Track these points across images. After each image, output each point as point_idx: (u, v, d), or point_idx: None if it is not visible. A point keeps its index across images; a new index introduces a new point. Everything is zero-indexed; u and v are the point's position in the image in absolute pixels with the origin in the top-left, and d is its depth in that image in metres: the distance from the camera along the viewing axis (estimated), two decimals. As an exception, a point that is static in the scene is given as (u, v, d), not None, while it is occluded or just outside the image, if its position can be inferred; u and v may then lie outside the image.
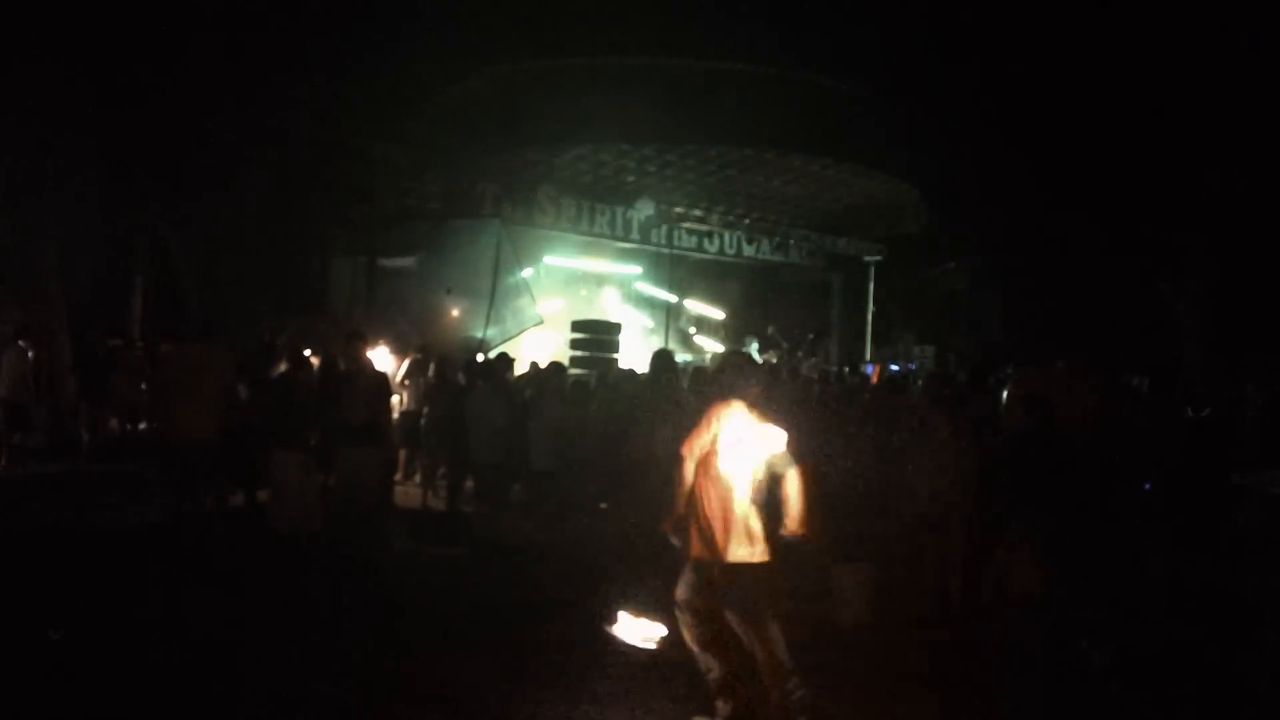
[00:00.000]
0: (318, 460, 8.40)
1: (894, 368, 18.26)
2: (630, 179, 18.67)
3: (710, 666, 5.02)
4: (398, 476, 11.19)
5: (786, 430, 5.02)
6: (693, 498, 4.99)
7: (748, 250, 21.12)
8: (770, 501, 5.06)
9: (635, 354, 15.75)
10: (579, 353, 15.42)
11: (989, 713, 5.64)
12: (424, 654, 5.90)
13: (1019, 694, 5.76)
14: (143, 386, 13.57)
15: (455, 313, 15.90)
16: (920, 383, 8.93)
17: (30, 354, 12.26)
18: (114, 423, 13.80)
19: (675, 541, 5.10)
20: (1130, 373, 11.25)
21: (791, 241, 21.53)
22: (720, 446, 4.93)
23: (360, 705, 5.12)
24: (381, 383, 8.33)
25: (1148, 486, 6.52)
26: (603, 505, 9.45)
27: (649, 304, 20.42)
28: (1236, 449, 7.58)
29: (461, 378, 10.59)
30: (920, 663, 6.27)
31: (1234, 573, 6.81)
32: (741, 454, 4.95)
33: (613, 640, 6.11)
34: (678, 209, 19.20)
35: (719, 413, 5.00)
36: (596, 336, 15.87)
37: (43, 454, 12.54)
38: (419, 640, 6.13)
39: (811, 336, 21.06)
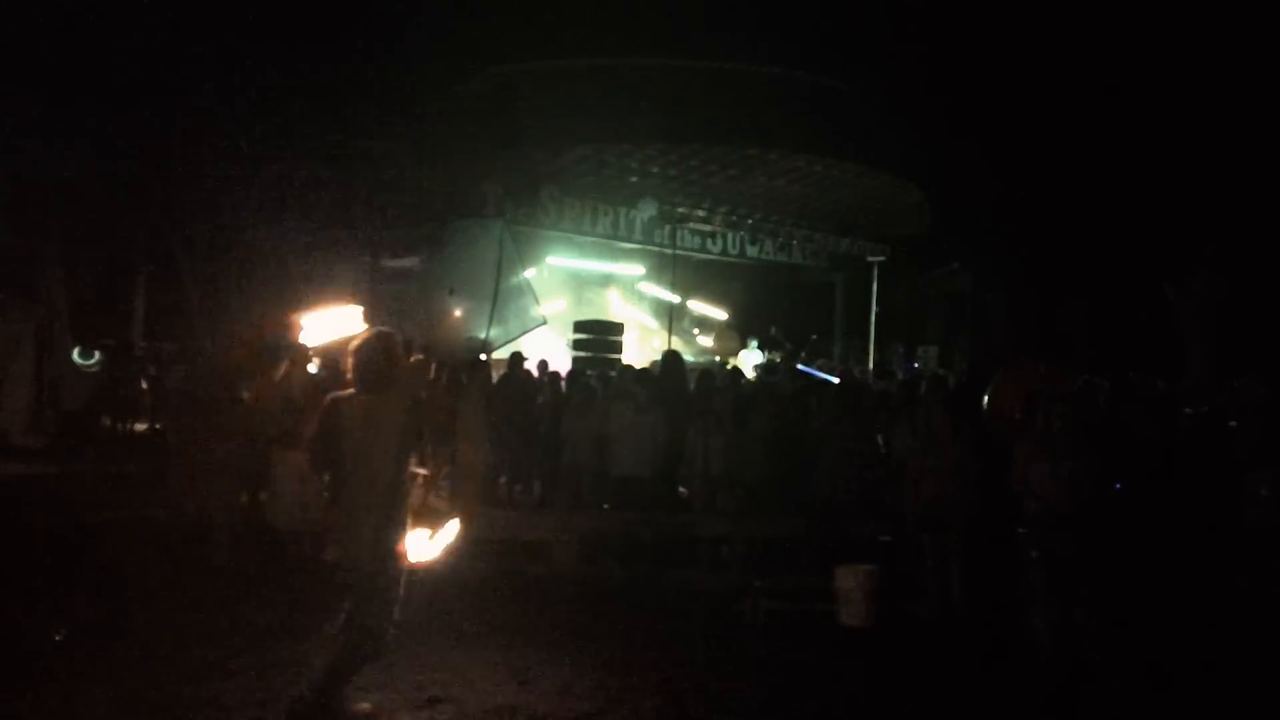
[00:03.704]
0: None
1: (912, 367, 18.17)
2: (633, 179, 18.64)
3: None
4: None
5: None
6: None
7: (751, 251, 21.08)
8: None
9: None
10: (581, 353, 15.41)
11: (990, 713, 5.61)
12: (426, 653, 5.88)
13: (1022, 694, 5.74)
14: (144, 386, 13.60)
15: (458, 313, 15.88)
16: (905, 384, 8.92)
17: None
18: (127, 424, 13.85)
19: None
20: (1137, 373, 11.22)
21: (795, 242, 21.50)
22: None
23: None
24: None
25: (1118, 486, 6.50)
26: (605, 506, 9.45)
27: (652, 304, 20.41)
28: (1230, 449, 7.55)
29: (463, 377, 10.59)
30: (920, 663, 6.26)
31: (1239, 571, 6.80)
32: None
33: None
34: (680, 209, 19.18)
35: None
36: (599, 337, 15.88)
37: (44, 454, 12.56)
38: (420, 639, 6.11)
39: (814, 337, 21.02)
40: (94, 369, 13.27)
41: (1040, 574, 5.86)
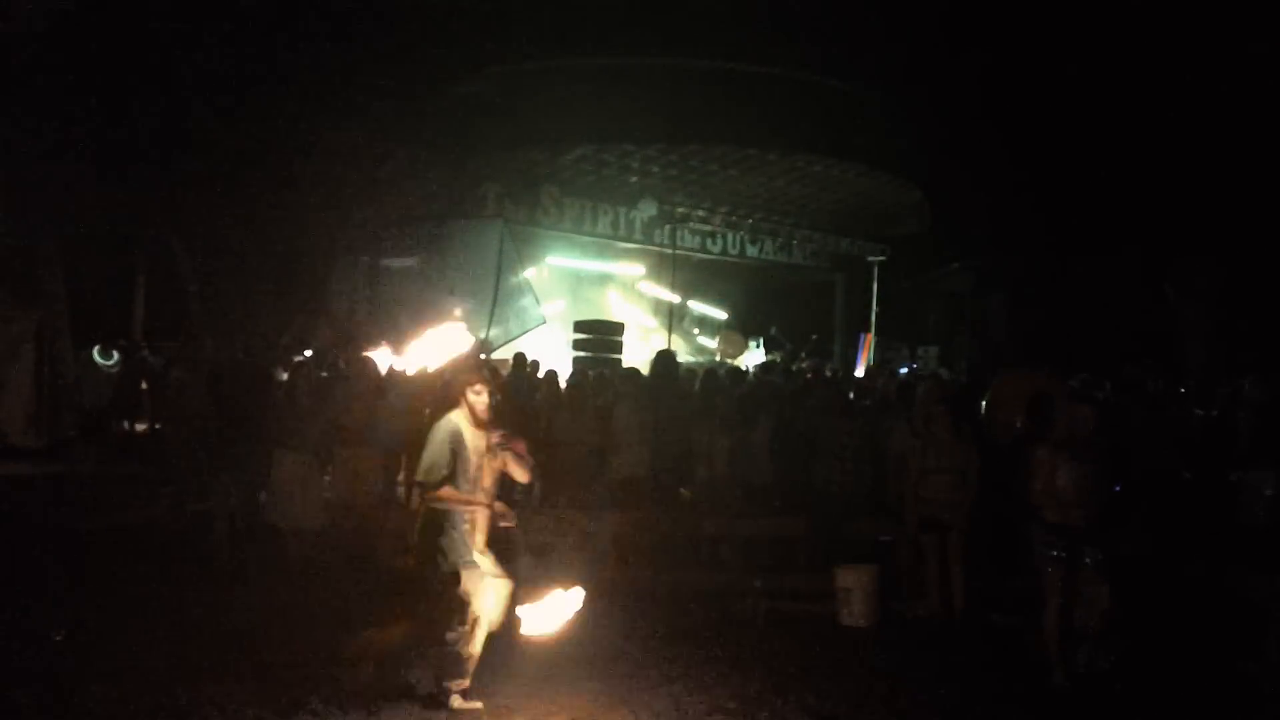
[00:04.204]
0: (318, 460, 8.38)
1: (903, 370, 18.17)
2: (633, 179, 18.66)
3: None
4: (400, 477, 11.14)
5: None
6: None
7: (751, 250, 21.11)
8: None
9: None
10: (581, 353, 15.42)
11: (990, 713, 5.61)
12: (426, 652, 5.87)
13: (1023, 694, 5.74)
14: (143, 386, 13.57)
15: (458, 313, 15.85)
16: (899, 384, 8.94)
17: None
18: (129, 424, 13.84)
19: None
20: (1141, 373, 11.23)
21: (795, 242, 21.52)
22: None
23: (363, 705, 5.10)
24: (381, 384, 8.33)
25: (1117, 488, 6.48)
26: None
27: (652, 304, 20.42)
28: (1232, 448, 7.57)
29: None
30: (920, 663, 6.25)
31: (1238, 572, 6.80)
32: None
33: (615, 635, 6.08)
34: (680, 209, 19.20)
35: None
36: (599, 337, 15.88)
37: (45, 454, 12.54)
38: (419, 640, 6.11)
39: (815, 337, 21.03)
40: (114, 369, 13.25)
41: (1055, 577, 5.85)
